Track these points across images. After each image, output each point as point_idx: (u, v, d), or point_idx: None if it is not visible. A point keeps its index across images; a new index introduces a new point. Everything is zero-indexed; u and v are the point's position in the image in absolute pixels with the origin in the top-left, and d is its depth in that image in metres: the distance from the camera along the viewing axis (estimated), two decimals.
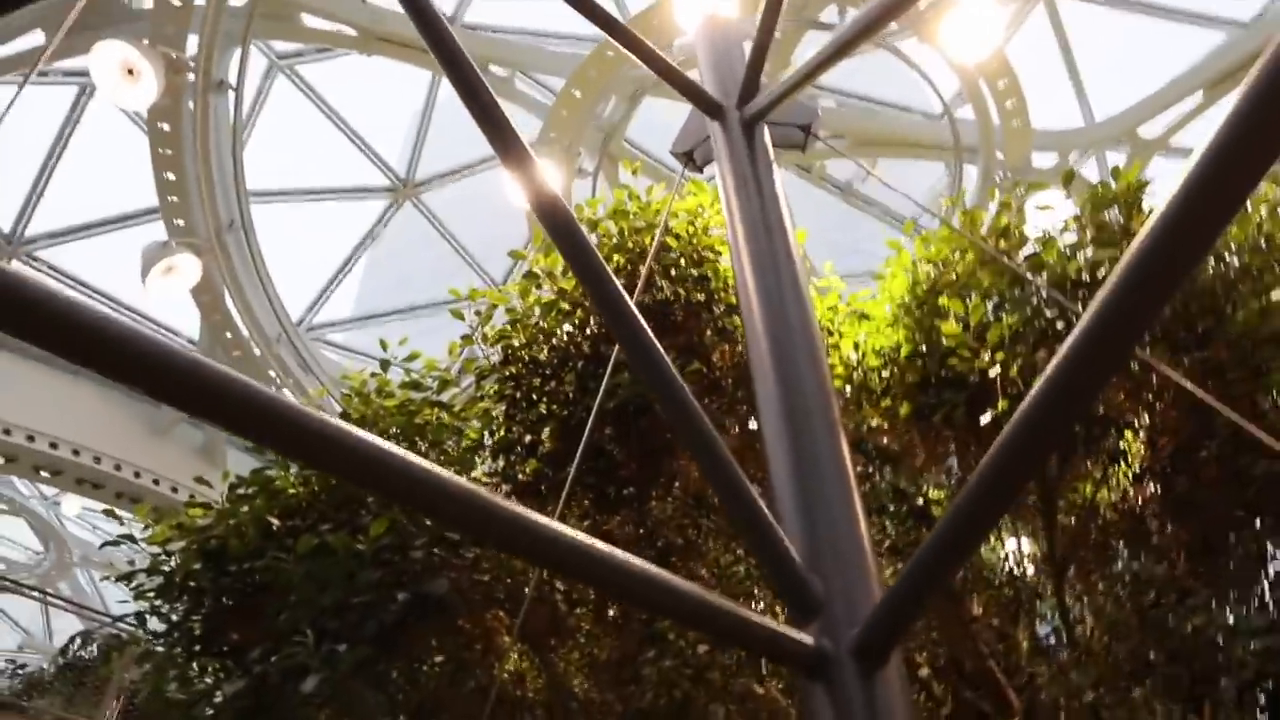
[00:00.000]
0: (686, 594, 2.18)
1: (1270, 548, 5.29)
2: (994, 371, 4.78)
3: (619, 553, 2.11)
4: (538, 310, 5.23)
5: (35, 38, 9.94)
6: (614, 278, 2.86)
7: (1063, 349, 1.83)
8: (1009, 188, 5.25)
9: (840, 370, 5.34)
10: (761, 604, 5.31)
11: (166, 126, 9.48)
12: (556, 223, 3.04)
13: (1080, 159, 13.00)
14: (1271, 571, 5.32)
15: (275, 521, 4.48)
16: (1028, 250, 5.11)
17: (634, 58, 4.19)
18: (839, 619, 2.36)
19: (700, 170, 4.69)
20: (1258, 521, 5.17)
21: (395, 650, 4.19)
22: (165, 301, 12.66)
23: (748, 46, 4.53)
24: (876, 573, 2.54)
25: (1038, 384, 1.88)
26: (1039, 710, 4.53)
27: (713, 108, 4.28)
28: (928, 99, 13.87)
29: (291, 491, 4.63)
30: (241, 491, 4.76)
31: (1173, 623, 4.52)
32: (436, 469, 1.86)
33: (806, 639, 2.32)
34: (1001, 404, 4.66)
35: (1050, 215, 5.17)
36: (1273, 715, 4.25)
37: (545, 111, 11.41)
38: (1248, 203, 5.04)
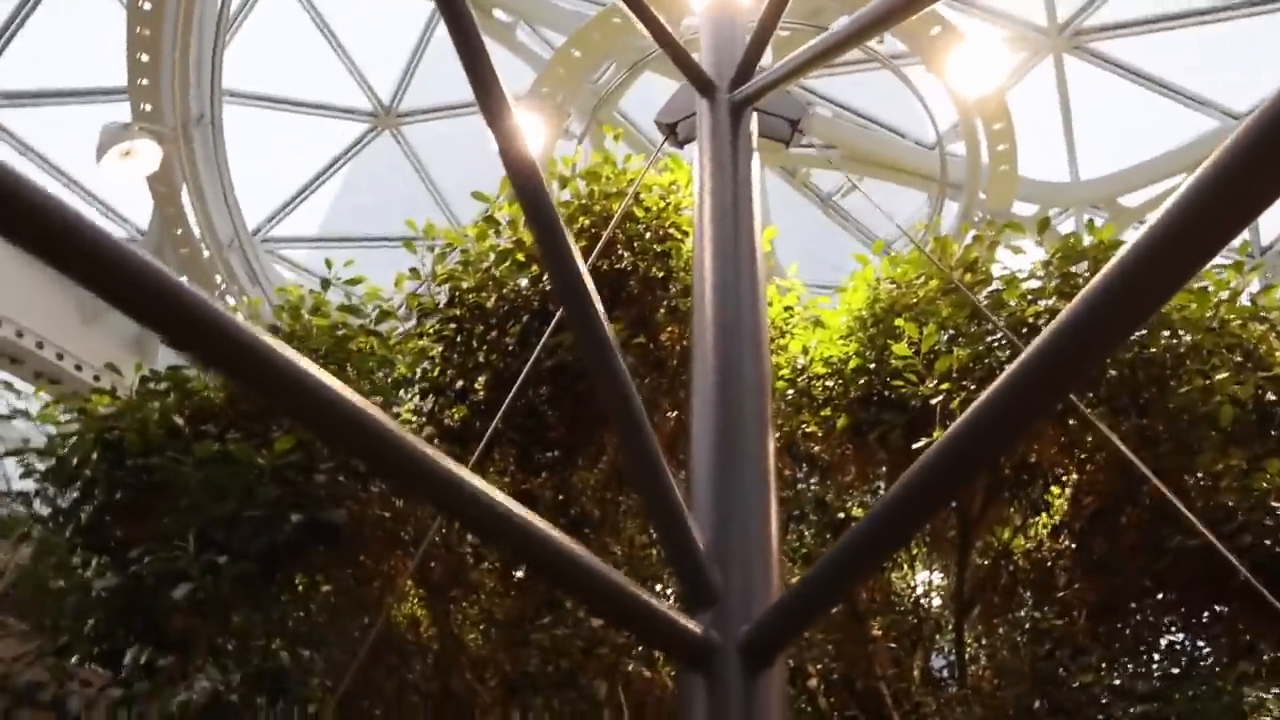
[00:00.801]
0: (578, 561, 2.09)
1: (1166, 621, 5.37)
2: (936, 400, 4.77)
3: (517, 507, 2.01)
4: (492, 256, 5.10)
5: None
6: (569, 235, 2.76)
7: (996, 384, 1.82)
8: (985, 225, 5.23)
9: (785, 373, 5.29)
10: (671, 593, 5.26)
11: (148, 5, 9.10)
12: (521, 172, 2.93)
13: (1060, 216, 13.13)
14: (1164, 644, 5.40)
15: (181, 421, 4.30)
16: (992, 289, 5.11)
17: (638, 25, 4.08)
18: (732, 613, 2.29)
19: (681, 145, 4.59)
20: (1160, 594, 5.25)
21: (281, 571, 4.05)
22: (118, 186, 12.26)
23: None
24: (780, 574, 2.48)
25: (967, 413, 1.86)
26: None
27: (704, 84, 4.18)
28: (923, 128, 13.88)
29: (205, 394, 4.45)
30: (153, 387, 4.57)
31: (1062, 676, 4.55)
32: (350, 393, 1.75)
33: (695, 628, 2.25)
34: (937, 433, 4.64)
35: (1020, 259, 5.17)
36: None
37: (542, 66, 11.20)
38: (1209, 284, 5.09)
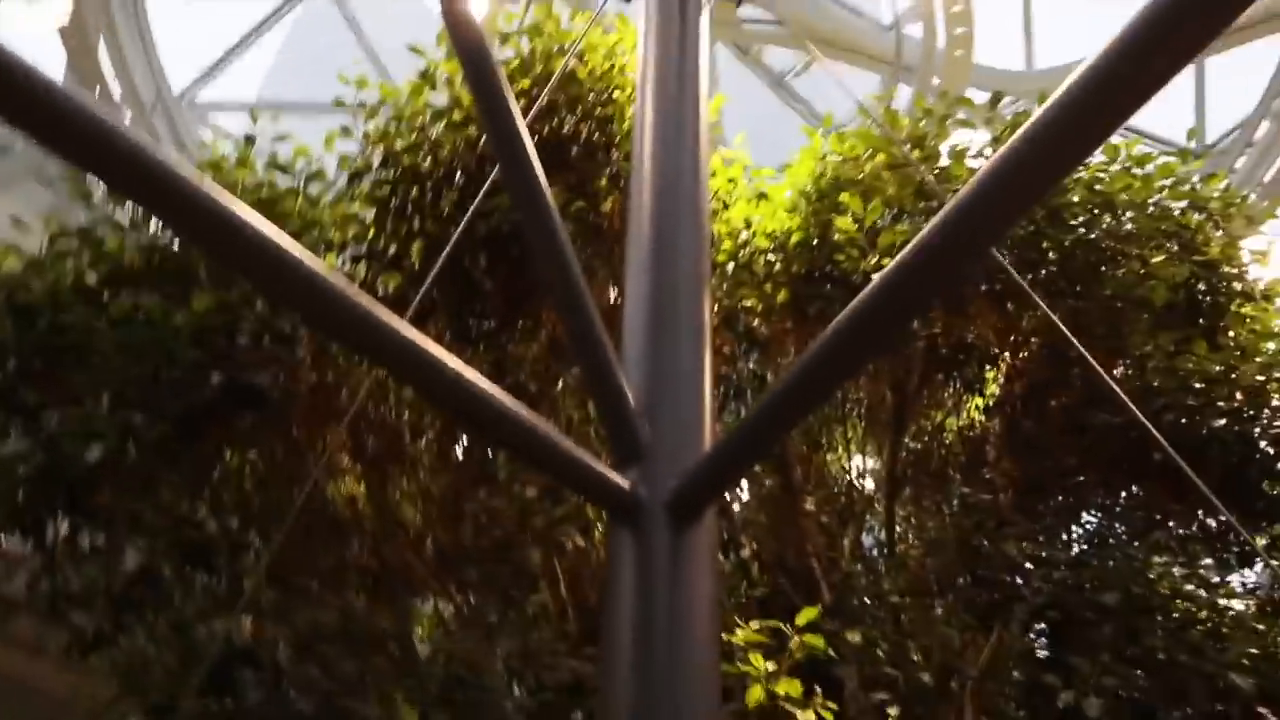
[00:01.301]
0: (508, 412, 2.02)
1: (1088, 500, 5.55)
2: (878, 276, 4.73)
3: (450, 359, 1.92)
4: (428, 115, 4.85)
5: None
6: (509, 93, 2.59)
7: (917, 239, 1.80)
8: (938, 99, 5.11)
9: (727, 245, 5.19)
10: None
11: None
12: (461, 26, 2.74)
13: (1013, 104, 13.01)
14: (1084, 519, 5.60)
15: (94, 281, 4.07)
16: (939, 167, 5.02)
17: None
18: (661, 468, 2.25)
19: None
20: (1083, 475, 5.40)
21: (204, 438, 3.93)
22: (25, 37, 11.44)
23: None
24: (711, 435, 2.44)
25: (888, 268, 1.84)
26: (846, 608, 4.66)
27: None
28: (880, 8, 13.54)
29: (120, 253, 4.21)
30: (64, 248, 4.30)
31: (986, 547, 4.68)
32: (284, 238, 1.63)
33: (623, 482, 2.20)
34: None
35: (969, 133, 5.07)
36: (1051, 641, 4.49)
37: None
38: (1152, 169, 5.08)
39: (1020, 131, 1.66)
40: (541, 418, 2.16)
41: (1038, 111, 1.64)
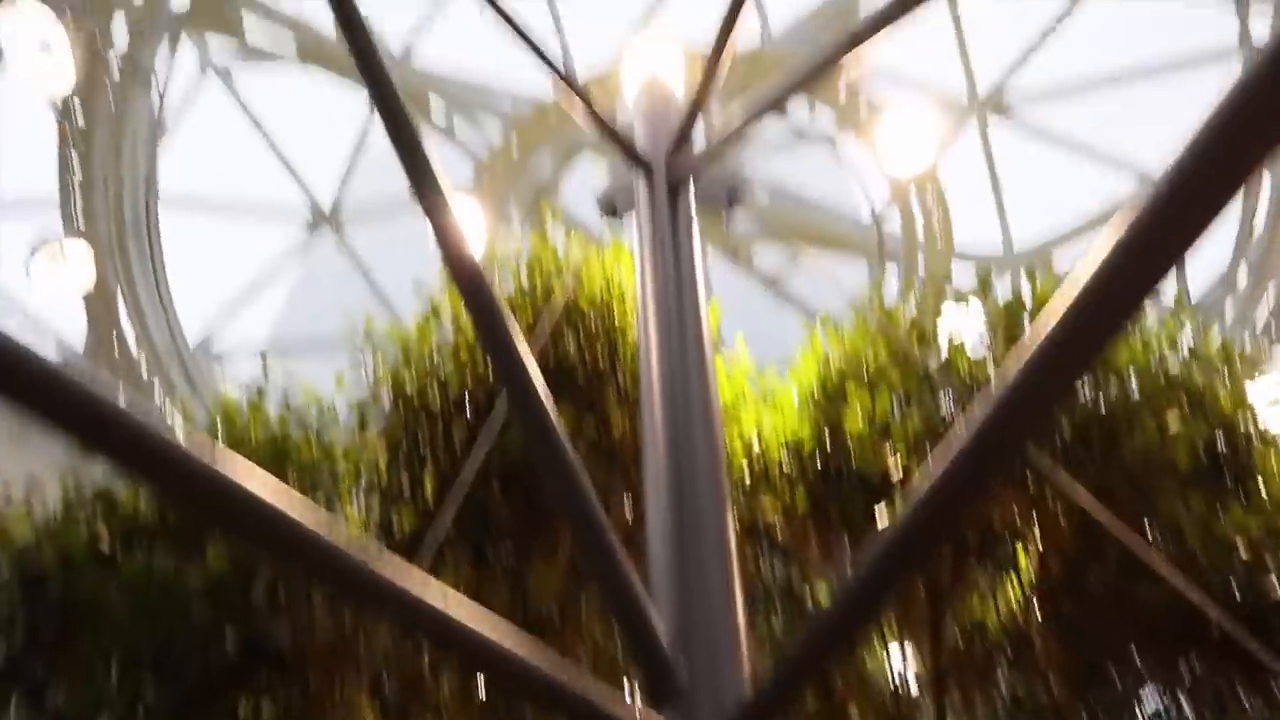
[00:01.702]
0: (533, 667, 1.92)
1: (1148, 684, 5.24)
2: (896, 475, 4.69)
3: (469, 617, 1.86)
4: (436, 352, 4.96)
5: None
6: (512, 324, 2.66)
7: (951, 447, 1.76)
8: (927, 286, 5.25)
9: (741, 457, 5.18)
10: (638, 693, 5.00)
11: (80, 116, 9.00)
12: (461, 265, 2.86)
13: (999, 280, 13.36)
14: (1150, 708, 5.26)
15: (107, 541, 4.03)
16: (939, 355, 5.09)
17: (575, 112, 4.07)
18: (701, 708, 2.12)
19: (619, 217, 4.53)
20: (1138, 655, 5.13)
21: (221, 697, 3.76)
22: (51, 302, 11.94)
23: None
24: (750, 664, 2.32)
25: (925, 480, 1.79)
26: None
27: (639, 161, 4.15)
28: (860, 204, 14.19)
29: (133, 510, 4.19)
30: (77, 512, 4.28)
31: None
32: (286, 501, 1.61)
33: None
34: (899, 505, 4.54)
35: (964, 323, 5.17)
36: None
37: (481, 158, 11.27)
38: (1149, 335, 5.14)
39: (1056, 313, 1.64)
40: (560, 659, 2.06)
41: (1074, 283, 1.63)
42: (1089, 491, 4.78)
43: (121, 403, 1.51)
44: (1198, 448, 4.88)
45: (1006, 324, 5.21)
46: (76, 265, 9.53)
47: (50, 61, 7.54)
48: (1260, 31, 10.30)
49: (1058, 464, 4.88)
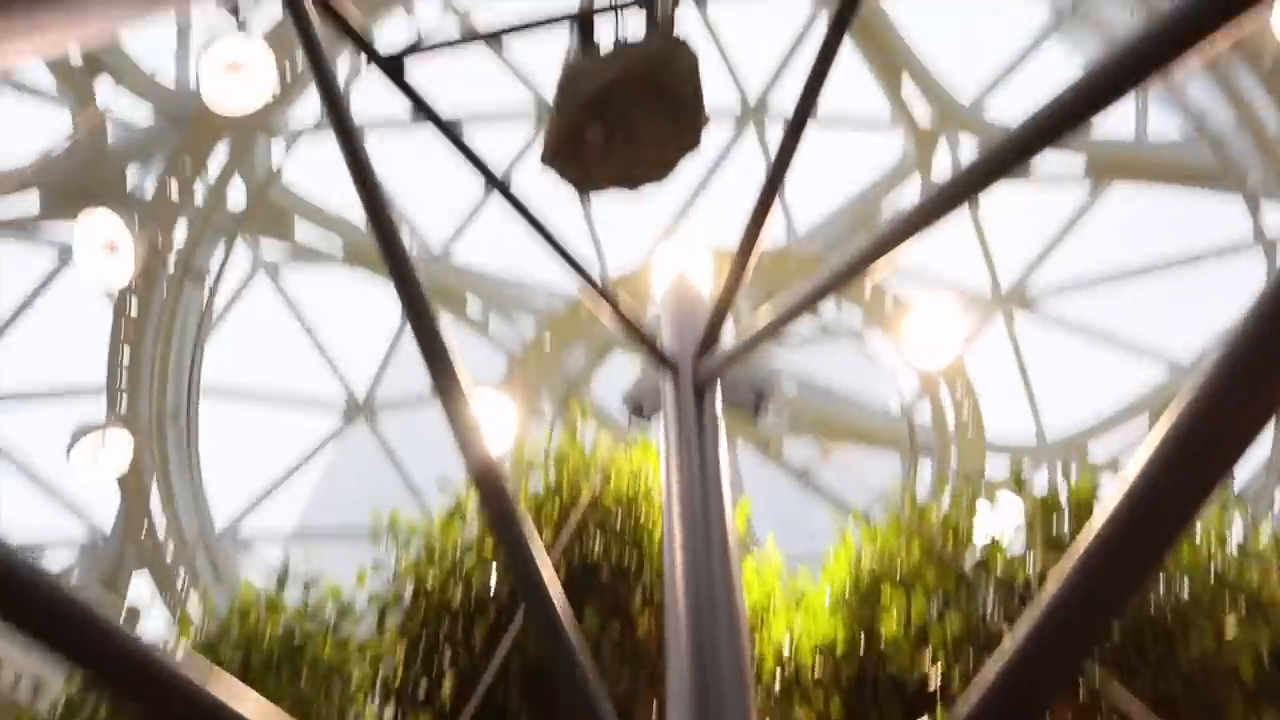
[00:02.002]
0: None
1: None
2: (934, 682, 4.47)
3: None
4: (459, 548, 4.91)
5: (32, 201, 10.14)
6: (529, 525, 2.66)
7: (999, 661, 1.68)
8: (960, 484, 5.17)
9: (770, 662, 4.97)
10: None
11: (134, 307, 9.43)
12: (482, 467, 2.90)
13: (1033, 468, 13.18)
14: None
15: None
16: (976, 553, 4.95)
17: (604, 309, 4.19)
18: None
19: (648, 419, 4.57)
20: None
21: None
22: (87, 484, 12.09)
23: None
24: None
25: (972, 694, 1.70)
26: None
27: (666, 362, 4.22)
28: (890, 397, 14.25)
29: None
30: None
31: None
32: None
33: None
34: (941, 716, 4.30)
35: (1000, 519, 5.05)
36: None
37: (514, 353, 11.54)
38: (1197, 533, 4.97)
39: (1107, 515, 1.59)
40: None
41: (1124, 483, 1.60)
42: (1146, 705, 4.50)
43: (112, 619, 1.50)
44: (1261, 654, 4.61)
45: (1044, 519, 5.08)
46: (115, 451, 9.71)
47: (114, 261, 7.99)
48: (1273, 223, 10.52)
49: (1109, 673, 4.62)
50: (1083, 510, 4.95)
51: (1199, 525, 4.95)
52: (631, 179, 3.01)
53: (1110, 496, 1.71)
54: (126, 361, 9.88)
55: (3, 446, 12.88)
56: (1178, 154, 11.02)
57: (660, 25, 2.95)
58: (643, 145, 2.98)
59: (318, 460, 15.25)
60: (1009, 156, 2.71)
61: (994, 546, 4.80)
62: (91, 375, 11.72)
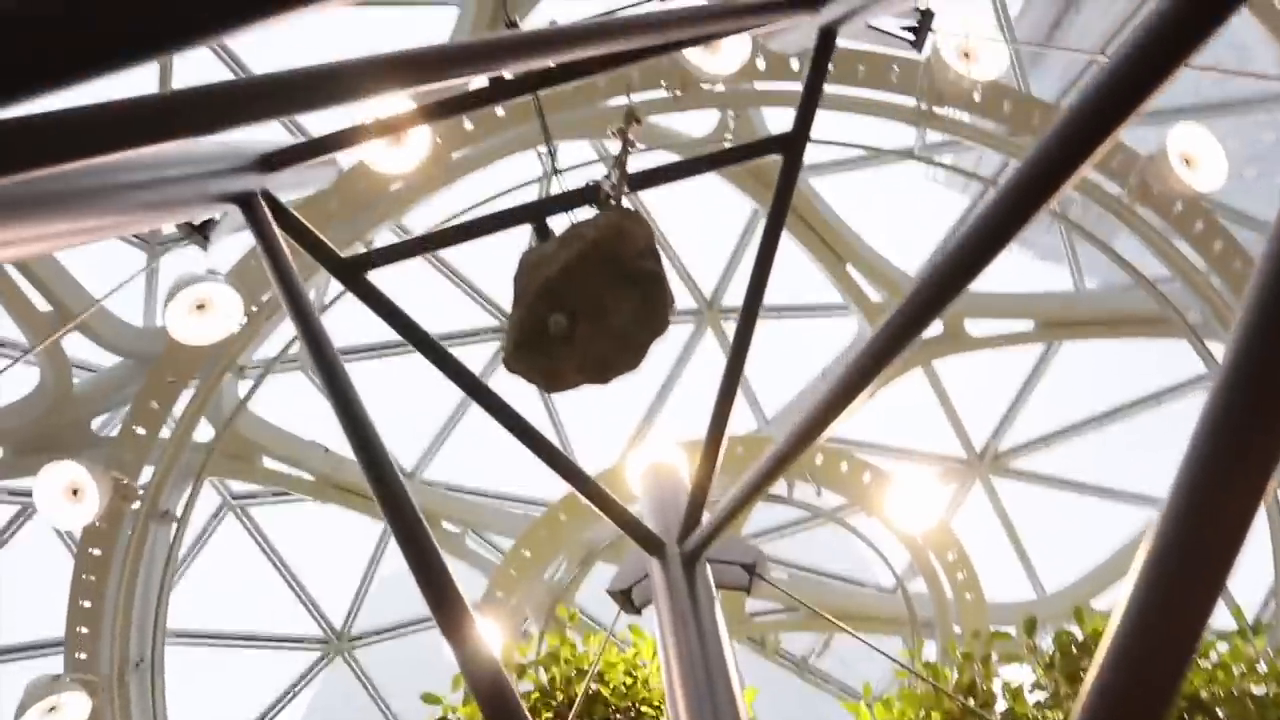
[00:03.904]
0: None
1: None
2: None
3: None
4: None
5: None
6: None
7: None
8: (970, 640, 5.00)
9: None
10: None
11: (98, 551, 9.11)
12: (484, 680, 2.77)
13: (1040, 629, 12.80)
14: None
15: None
16: (998, 708, 4.71)
17: (585, 512, 4.15)
18: None
19: (638, 612, 4.43)
20: None
21: None
22: None
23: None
24: None
25: None
26: None
27: (652, 543, 4.14)
28: (882, 574, 13.96)
29: None
30: None
31: None
32: None
33: None
34: None
35: (1017, 670, 4.86)
36: None
37: (492, 570, 11.23)
38: (1221, 657, 4.80)
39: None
40: None
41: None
42: None
43: None
44: None
45: (1063, 662, 4.92)
46: (71, 713, 9.10)
47: (78, 507, 7.83)
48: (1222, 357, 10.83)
49: None
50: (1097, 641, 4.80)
51: (1223, 655, 4.79)
52: (602, 369, 2.93)
53: (1111, 625, 1.67)
54: (88, 608, 9.44)
55: None
56: (1117, 302, 11.49)
57: (611, 199, 3.06)
58: (610, 331, 2.88)
59: (293, 702, 14.41)
60: (920, 309, 2.81)
61: (1016, 698, 4.59)
62: (51, 629, 11.19)
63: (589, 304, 2.67)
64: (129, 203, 2.71)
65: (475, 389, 3.85)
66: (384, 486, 3.24)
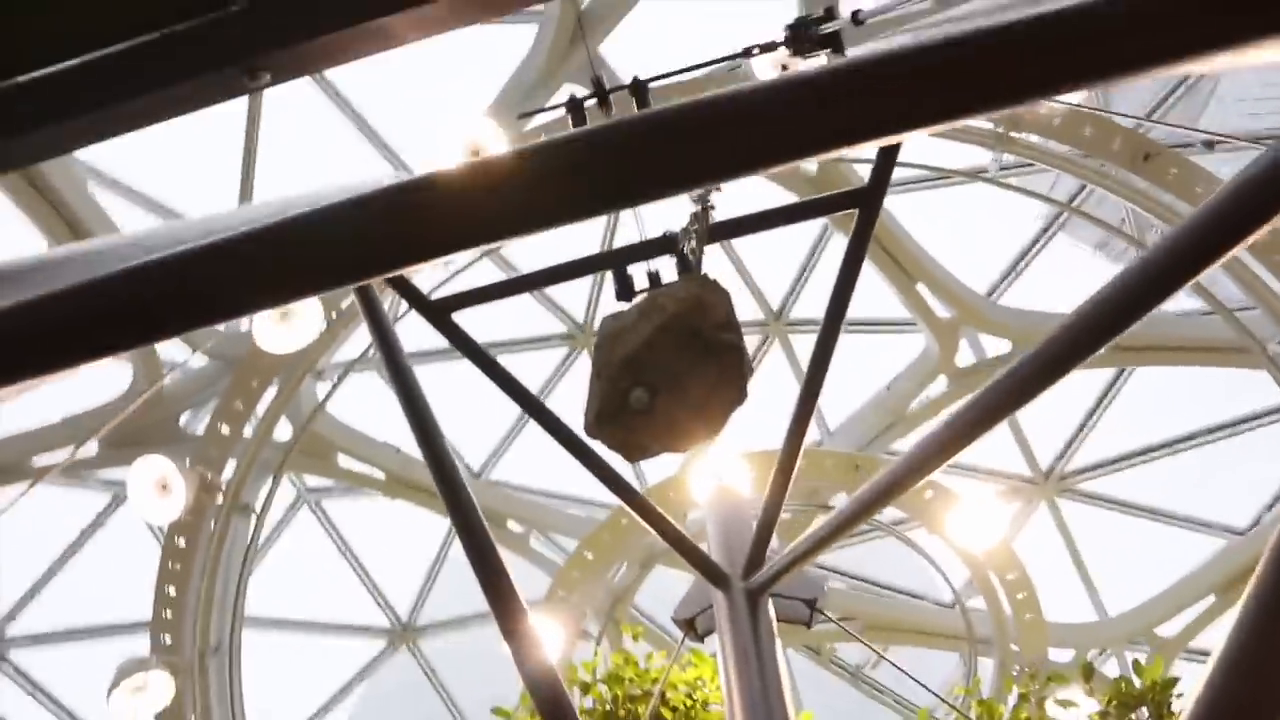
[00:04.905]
0: None
1: None
2: None
3: None
4: None
5: (89, 448, 10.54)
6: None
7: None
8: (1026, 680, 5.05)
9: None
10: None
11: (183, 541, 9.60)
12: (541, 686, 2.94)
13: (1100, 656, 12.62)
14: None
15: None
16: None
17: (646, 527, 4.30)
18: None
19: (701, 639, 4.58)
20: None
21: None
22: None
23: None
24: None
25: None
26: None
27: (718, 577, 4.29)
28: (940, 588, 13.88)
29: None
30: None
31: None
32: None
33: None
34: None
35: (1073, 713, 4.89)
36: None
37: (556, 571, 11.48)
38: None
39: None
40: None
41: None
42: None
43: None
44: None
45: (1118, 711, 4.91)
46: (156, 693, 9.59)
47: (166, 500, 8.25)
48: None
49: None
50: (1159, 695, 4.81)
51: None
52: (680, 439, 2.96)
53: (1194, 689, 1.72)
54: (173, 595, 9.95)
55: (42, 685, 12.79)
56: (1196, 329, 11.26)
57: (691, 266, 3.19)
58: (689, 402, 2.88)
59: (359, 688, 14.89)
60: (1049, 365, 2.88)
61: None
62: (137, 611, 11.79)
63: (668, 377, 2.75)
64: None
65: (567, 439, 3.98)
66: (448, 487, 3.44)
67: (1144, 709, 4.75)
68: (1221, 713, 1.68)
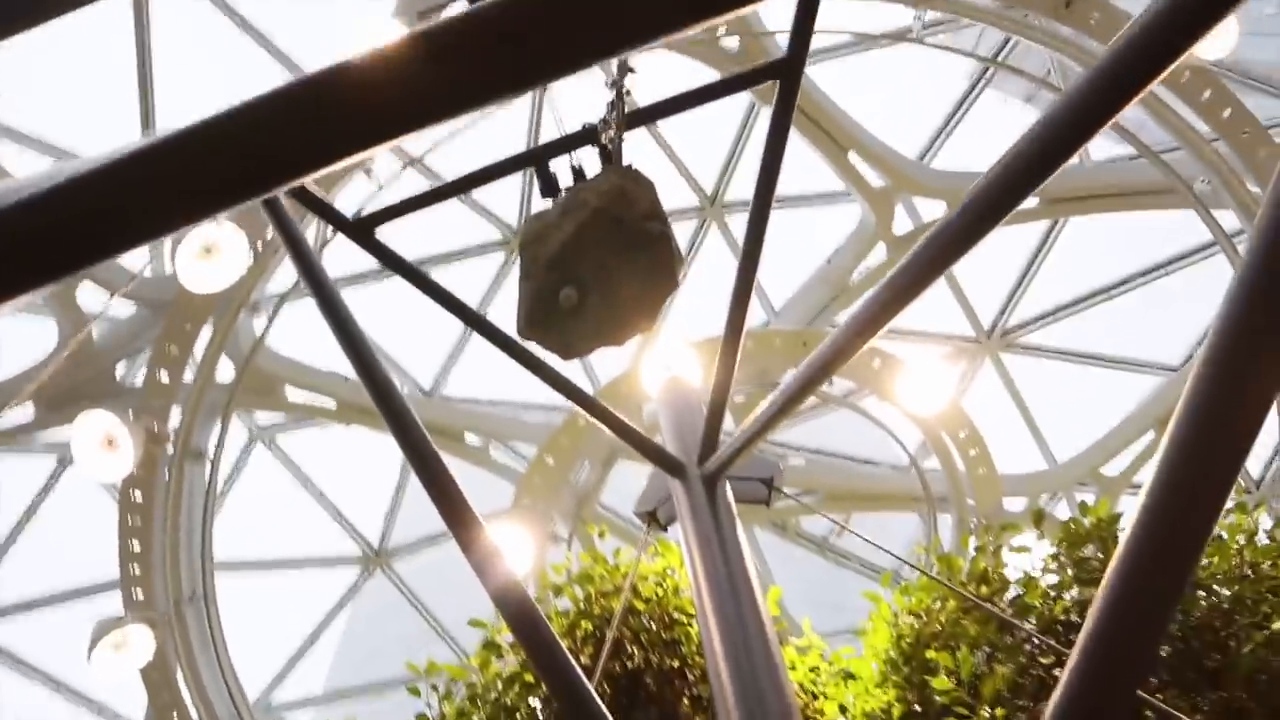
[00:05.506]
0: None
1: None
2: None
3: None
4: (500, 684, 4.89)
5: (26, 411, 10.27)
6: (569, 656, 2.72)
7: (1053, 700, 1.75)
8: (982, 532, 5.21)
9: None
10: None
11: (139, 495, 9.47)
12: (506, 596, 2.96)
13: (1050, 501, 13.17)
14: None
15: None
16: (1011, 595, 4.97)
17: (600, 427, 4.30)
18: None
19: (665, 529, 4.64)
20: None
21: None
22: (111, 684, 11.89)
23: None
24: None
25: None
26: None
27: (673, 466, 4.32)
28: (897, 453, 14.28)
29: None
30: None
31: None
32: None
33: None
34: None
35: (1027, 557, 5.08)
36: None
37: (519, 478, 11.57)
38: (1223, 532, 4.99)
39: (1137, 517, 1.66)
40: None
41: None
42: (1216, 713, 4.43)
43: None
44: None
45: (1069, 549, 5.09)
46: (137, 646, 9.60)
47: (114, 455, 8.09)
48: (1230, 226, 10.80)
49: (1169, 689, 4.57)
50: (1106, 533, 4.99)
51: (1225, 526, 4.98)
52: (616, 334, 2.91)
53: (1131, 515, 1.78)
54: (137, 550, 9.87)
55: (20, 657, 12.74)
56: (1123, 174, 11.39)
57: (613, 156, 3.09)
58: (621, 296, 2.85)
59: (340, 618, 15.07)
60: (980, 216, 2.87)
61: (1029, 586, 4.82)
62: (104, 571, 11.71)
63: (597, 272, 2.69)
64: None
65: (507, 345, 3.94)
66: (386, 405, 3.41)
67: (1090, 545, 4.93)
68: (1152, 536, 1.75)
